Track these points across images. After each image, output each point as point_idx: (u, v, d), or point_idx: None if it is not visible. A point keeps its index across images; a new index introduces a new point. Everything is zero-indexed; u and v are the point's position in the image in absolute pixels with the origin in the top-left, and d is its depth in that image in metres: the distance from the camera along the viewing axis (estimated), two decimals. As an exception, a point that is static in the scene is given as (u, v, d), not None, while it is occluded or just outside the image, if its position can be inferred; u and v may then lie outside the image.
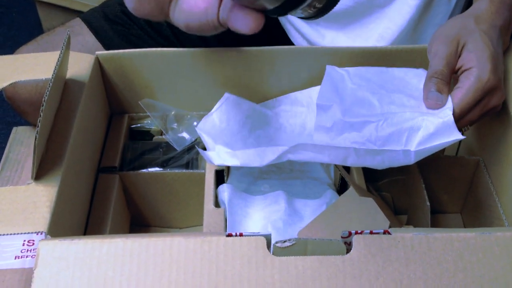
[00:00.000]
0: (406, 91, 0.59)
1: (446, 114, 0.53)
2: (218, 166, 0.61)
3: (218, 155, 0.57)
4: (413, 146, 0.52)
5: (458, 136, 0.52)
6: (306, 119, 0.65)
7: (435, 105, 0.55)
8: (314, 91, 0.67)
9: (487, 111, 0.56)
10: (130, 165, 0.67)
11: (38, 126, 0.48)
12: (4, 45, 1.57)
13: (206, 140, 0.59)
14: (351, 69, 0.63)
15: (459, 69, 0.56)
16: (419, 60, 0.65)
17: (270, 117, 0.65)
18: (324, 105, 0.56)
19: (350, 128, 0.54)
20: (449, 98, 0.54)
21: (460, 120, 0.54)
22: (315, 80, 0.67)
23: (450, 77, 0.56)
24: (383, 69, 0.63)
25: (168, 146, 0.69)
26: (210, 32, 0.46)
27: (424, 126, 0.52)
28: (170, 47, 0.68)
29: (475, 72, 0.54)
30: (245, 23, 0.42)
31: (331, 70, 0.63)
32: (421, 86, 0.57)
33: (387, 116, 0.54)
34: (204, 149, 0.60)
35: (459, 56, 0.56)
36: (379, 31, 0.76)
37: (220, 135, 0.60)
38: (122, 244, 0.43)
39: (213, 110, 0.63)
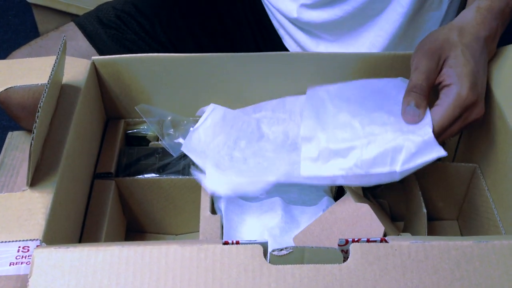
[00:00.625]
0: (386, 106, 0.59)
1: (426, 132, 0.54)
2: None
3: (211, 181, 0.58)
4: (397, 167, 0.53)
5: (440, 152, 0.53)
6: (288, 126, 0.65)
7: (412, 119, 0.55)
8: (299, 99, 0.67)
9: (466, 124, 0.57)
10: (126, 171, 0.67)
11: (33, 132, 0.48)
12: (0, 48, 1.57)
13: (194, 159, 0.61)
14: (332, 88, 0.64)
15: (439, 83, 0.57)
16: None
17: (253, 126, 0.65)
18: (307, 136, 0.57)
19: (335, 155, 0.55)
20: (429, 114, 0.55)
21: (441, 135, 0.56)
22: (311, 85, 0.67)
23: (429, 92, 0.56)
24: (363, 82, 0.64)
25: (164, 152, 0.69)
26: None
27: (406, 146, 0.53)
28: (164, 52, 0.67)
29: (454, 90, 0.55)
30: None
31: (312, 93, 0.64)
32: (401, 97, 0.57)
33: (370, 138, 0.55)
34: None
35: (440, 70, 0.57)
36: (370, 40, 0.77)
37: (206, 152, 0.62)
38: (118, 252, 0.42)
39: (198, 125, 0.64)
